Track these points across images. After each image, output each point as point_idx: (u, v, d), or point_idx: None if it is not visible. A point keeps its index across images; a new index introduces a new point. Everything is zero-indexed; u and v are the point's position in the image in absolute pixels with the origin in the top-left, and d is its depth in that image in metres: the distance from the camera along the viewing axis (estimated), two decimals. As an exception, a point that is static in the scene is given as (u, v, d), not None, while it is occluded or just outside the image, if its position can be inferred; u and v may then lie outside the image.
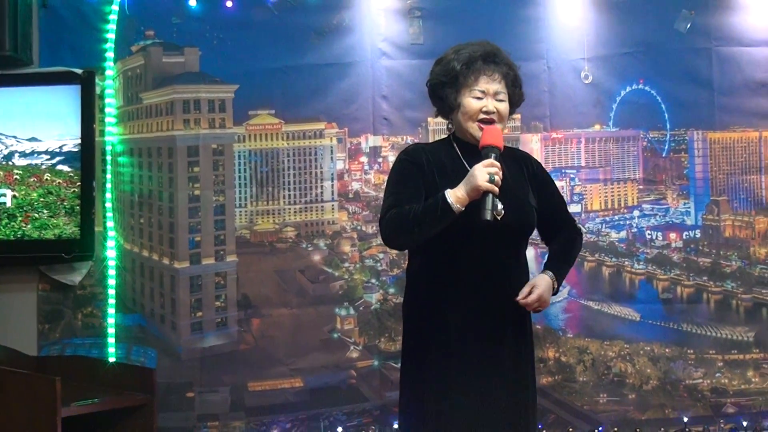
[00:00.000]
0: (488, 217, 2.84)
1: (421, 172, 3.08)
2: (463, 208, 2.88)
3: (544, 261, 3.18)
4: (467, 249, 3.02)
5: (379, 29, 5.52)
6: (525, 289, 3.01)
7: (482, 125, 3.06)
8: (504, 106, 3.08)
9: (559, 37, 5.58)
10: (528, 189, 3.18)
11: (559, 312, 5.59)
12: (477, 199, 2.87)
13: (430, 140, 3.35)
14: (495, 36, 5.04)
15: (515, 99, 3.16)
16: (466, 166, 2.99)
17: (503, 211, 2.97)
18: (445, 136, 3.25)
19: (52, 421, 3.92)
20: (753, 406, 5.46)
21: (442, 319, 3.05)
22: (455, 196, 2.88)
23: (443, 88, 3.12)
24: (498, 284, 3.05)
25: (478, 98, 3.06)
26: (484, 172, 2.85)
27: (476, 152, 2.97)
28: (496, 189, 2.85)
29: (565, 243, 3.23)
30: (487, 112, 3.05)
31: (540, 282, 3.03)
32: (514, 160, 3.23)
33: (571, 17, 5.56)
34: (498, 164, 2.89)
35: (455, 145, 3.14)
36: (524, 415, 3.09)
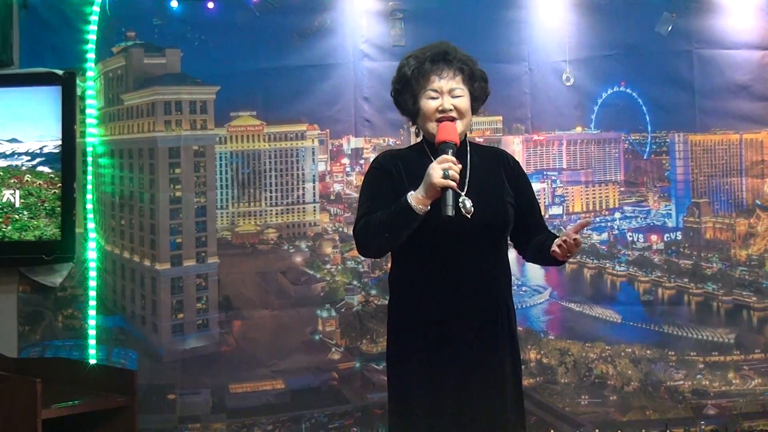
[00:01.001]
0: (450, 213, 2.87)
1: (390, 180, 3.15)
2: (427, 209, 2.93)
3: (542, 242, 3.16)
4: (442, 250, 3.08)
5: (360, 31, 5.55)
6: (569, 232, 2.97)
7: (440, 123, 3.12)
8: (462, 102, 3.14)
9: (541, 40, 5.63)
10: (503, 186, 3.23)
11: (540, 314, 5.65)
12: (439, 197, 2.92)
13: (412, 142, 3.41)
14: (476, 38, 5.22)
15: (477, 93, 3.20)
16: None
17: (473, 209, 3.05)
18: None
19: (32, 423, 3.96)
20: (734, 408, 5.54)
21: (424, 323, 3.13)
22: (416, 198, 2.93)
23: (401, 95, 3.22)
24: (477, 284, 3.12)
25: (433, 98, 3.13)
26: (438, 169, 2.89)
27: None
28: (453, 184, 2.88)
29: (548, 238, 3.18)
30: (443, 110, 3.12)
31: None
32: (491, 156, 3.31)
33: (552, 19, 5.61)
34: (452, 159, 2.92)
35: (427, 148, 3.20)
36: (509, 416, 3.17)
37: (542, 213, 3.45)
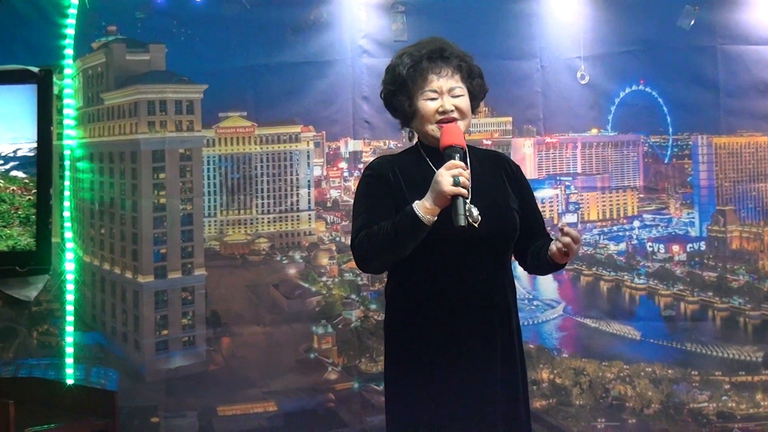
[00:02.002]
0: (462, 222, 2.84)
1: (388, 187, 3.10)
2: (435, 219, 2.88)
3: (540, 246, 3.14)
4: (445, 262, 3.03)
5: (359, 25, 5.57)
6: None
7: (442, 125, 3.08)
8: (462, 102, 3.10)
9: (554, 34, 5.64)
10: (507, 191, 3.20)
11: (553, 330, 5.65)
12: (448, 206, 2.87)
13: (407, 147, 3.38)
14: (484, 33, 5.24)
15: (476, 91, 3.17)
16: (437, 171, 2.98)
17: (480, 218, 2.98)
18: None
19: None
20: None
21: (424, 339, 3.07)
22: (423, 207, 2.88)
23: (395, 97, 3.15)
24: (482, 298, 3.06)
25: (432, 99, 3.08)
26: (448, 176, 2.84)
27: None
28: (465, 191, 2.85)
29: (546, 242, 3.15)
30: (444, 112, 3.07)
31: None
32: (491, 160, 3.27)
33: (566, 13, 5.63)
34: (462, 164, 2.89)
35: (422, 152, 3.16)
36: None
37: (544, 222, 3.40)
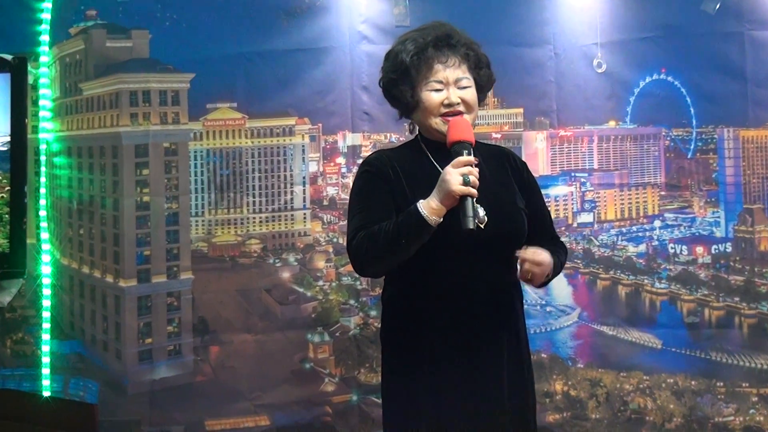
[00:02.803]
0: (471, 225, 2.78)
1: (387, 184, 3.04)
2: (441, 220, 2.83)
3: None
4: (448, 265, 2.98)
5: (359, 9, 5.59)
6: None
7: (447, 119, 3.03)
8: (469, 94, 3.04)
9: (568, 19, 5.64)
10: (513, 189, 3.16)
11: (568, 338, 5.70)
12: (454, 206, 2.82)
13: (406, 141, 3.37)
14: (493, 17, 5.19)
15: (483, 82, 3.11)
16: (439, 169, 2.94)
17: (486, 218, 2.94)
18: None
19: None
20: None
21: (426, 349, 3.01)
22: (429, 207, 2.83)
23: (396, 86, 3.10)
24: (487, 304, 3.01)
25: (437, 90, 3.03)
26: (456, 174, 2.79)
27: (448, 152, 2.94)
28: (474, 191, 2.79)
29: (554, 249, 3.14)
30: (449, 104, 3.01)
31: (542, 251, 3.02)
32: (494, 156, 3.21)
33: None
34: (472, 160, 2.85)
35: (423, 146, 3.10)
36: None
37: (553, 222, 3.41)
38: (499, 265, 3.05)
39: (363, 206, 3.06)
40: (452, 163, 2.84)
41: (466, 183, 2.78)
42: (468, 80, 3.05)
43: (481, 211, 2.94)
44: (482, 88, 3.13)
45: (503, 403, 3.03)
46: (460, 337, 3.00)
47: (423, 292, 3.03)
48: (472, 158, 2.86)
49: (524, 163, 3.29)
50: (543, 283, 3.09)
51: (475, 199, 2.92)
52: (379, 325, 5.23)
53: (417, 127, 3.15)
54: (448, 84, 3.02)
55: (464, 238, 2.89)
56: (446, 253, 2.96)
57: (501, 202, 3.07)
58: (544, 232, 3.21)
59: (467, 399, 3.00)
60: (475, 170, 2.83)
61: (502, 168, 3.19)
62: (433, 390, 3.00)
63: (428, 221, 2.81)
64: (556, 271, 3.13)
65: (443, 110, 3.01)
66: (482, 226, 2.94)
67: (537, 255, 2.95)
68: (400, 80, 3.07)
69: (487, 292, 3.02)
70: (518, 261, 2.96)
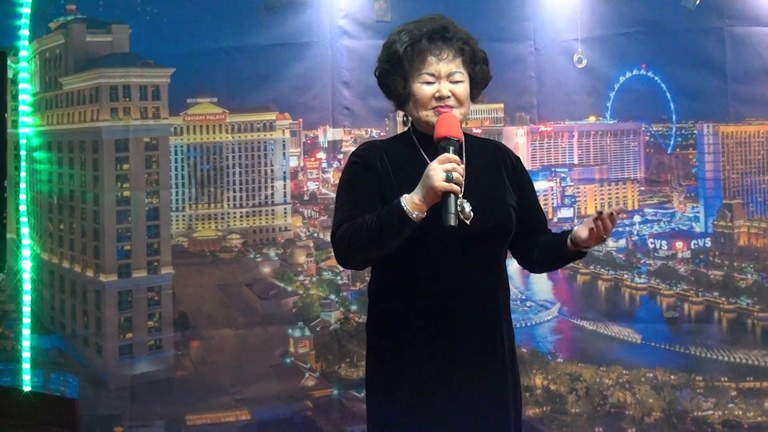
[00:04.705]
0: (453, 222, 2.79)
1: (374, 176, 3.05)
2: (423, 215, 2.83)
3: (552, 238, 3.15)
4: (435, 260, 2.99)
5: (339, 4, 5.60)
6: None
7: (439, 111, 3.05)
8: (461, 88, 3.05)
9: (549, 15, 5.67)
10: (504, 185, 3.16)
11: (547, 333, 5.73)
12: (438, 202, 2.82)
13: (399, 133, 3.37)
14: (474, 12, 5.18)
15: (478, 78, 3.11)
16: (428, 162, 2.92)
17: (472, 214, 2.95)
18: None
19: None
20: None
21: (409, 345, 3.02)
22: (412, 202, 2.83)
23: (389, 77, 3.10)
24: (474, 300, 3.02)
25: (429, 83, 3.03)
26: (440, 171, 2.79)
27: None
28: (457, 188, 2.79)
29: (560, 234, 3.16)
30: (440, 98, 3.02)
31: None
32: (487, 151, 3.23)
33: None
34: (456, 158, 2.84)
35: (415, 139, 3.10)
36: None
37: (546, 217, 3.41)
38: (485, 259, 3.06)
39: (349, 198, 3.09)
40: (437, 159, 2.84)
41: (449, 180, 2.79)
42: (461, 74, 3.06)
43: (467, 207, 2.96)
44: (477, 84, 3.14)
45: (485, 398, 3.04)
46: (443, 330, 3.01)
47: (408, 286, 3.04)
48: (456, 157, 2.85)
49: (519, 159, 3.30)
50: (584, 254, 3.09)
51: (462, 194, 2.93)
52: (360, 320, 5.32)
53: (410, 120, 3.17)
54: (440, 77, 3.03)
55: (450, 234, 2.87)
56: (431, 248, 2.98)
57: (490, 198, 3.09)
58: (539, 226, 3.22)
59: (449, 393, 3.00)
60: (461, 167, 2.83)
61: (494, 164, 3.21)
62: (415, 383, 3.01)
63: (410, 216, 2.82)
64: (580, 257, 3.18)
65: (434, 103, 3.03)
66: (468, 221, 2.95)
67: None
68: (393, 71, 3.08)
69: (472, 287, 3.03)
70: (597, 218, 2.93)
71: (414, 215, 2.82)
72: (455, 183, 2.79)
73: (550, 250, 3.15)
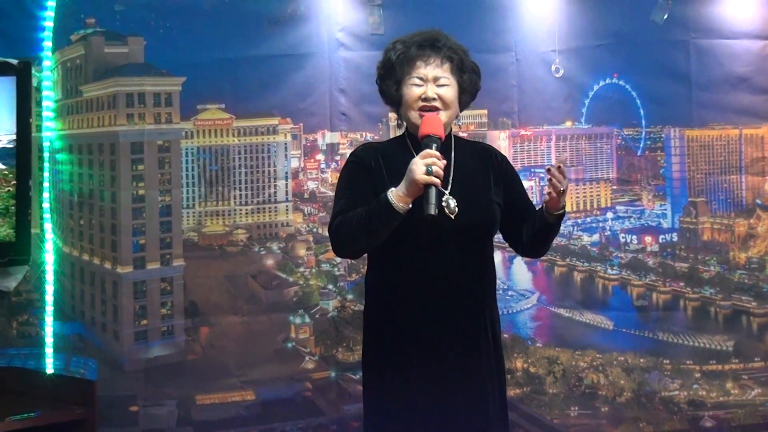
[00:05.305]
0: (432, 211, 2.86)
1: (369, 175, 3.15)
2: (409, 207, 2.92)
3: (532, 223, 3.16)
4: (422, 252, 3.08)
5: (336, 18, 5.60)
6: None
7: (423, 113, 3.12)
8: (448, 92, 3.13)
9: (529, 28, 5.70)
10: (489, 184, 3.23)
11: (527, 320, 5.73)
12: (422, 195, 2.90)
13: (392, 136, 3.47)
14: (460, 26, 5.16)
15: (466, 85, 3.19)
16: None
17: (457, 209, 3.05)
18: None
19: None
20: (732, 420, 5.60)
21: (400, 331, 3.12)
22: (397, 195, 2.91)
23: (384, 81, 3.23)
24: (458, 289, 3.11)
25: (417, 85, 3.13)
26: (421, 165, 2.86)
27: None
28: (437, 181, 2.87)
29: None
30: (426, 99, 3.11)
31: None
32: (476, 153, 3.30)
33: (541, 6, 5.69)
34: (436, 154, 2.90)
35: (408, 141, 3.20)
36: (492, 430, 3.16)
37: (535, 209, 3.38)
38: (468, 251, 3.12)
39: (345, 193, 3.16)
40: (419, 154, 2.90)
41: (429, 173, 2.83)
42: (447, 80, 3.12)
43: (452, 202, 3.05)
44: (465, 91, 3.19)
45: (470, 381, 3.11)
46: (431, 318, 3.08)
47: (398, 276, 3.11)
48: (437, 152, 2.89)
49: (505, 158, 3.37)
50: (557, 226, 3.13)
51: (449, 191, 3.05)
52: (355, 308, 5.42)
53: (404, 123, 3.24)
54: (428, 81, 3.10)
55: (438, 227, 2.97)
56: (421, 240, 3.04)
57: (474, 194, 3.15)
58: (528, 216, 3.22)
59: (438, 377, 3.08)
60: (441, 162, 2.87)
61: (481, 164, 3.25)
62: (406, 367, 3.09)
63: (395, 207, 2.88)
64: (559, 225, 3.17)
65: (420, 103, 3.11)
66: (452, 216, 3.04)
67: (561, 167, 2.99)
68: (387, 76, 3.19)
69: (458, 276, 3.10)
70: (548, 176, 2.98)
71: (399, 206, 2.89)
72: (435, 176, 2.85)
73: (533, 228, 3.16)
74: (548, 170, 3.01)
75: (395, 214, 2.91)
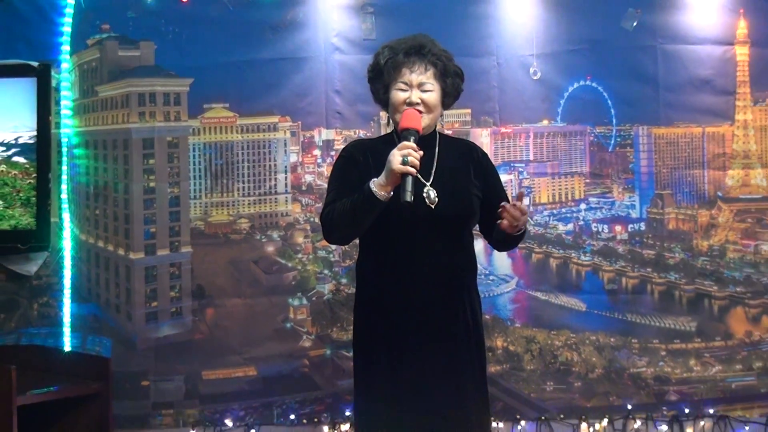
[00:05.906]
0: (408, 198, 2.92)
1: (357, 169, 3.22)
2: (389, 195, 2.99)
3: (496, 227, 3.15)
4: (405, 240, 3.16)
5: (332, 25, 5.66)
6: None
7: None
8: (431, 97, 3.19)
9: (509, 34, 5.75)
10: (470, 177, 3.29)
11: (507, 302, 5.78)
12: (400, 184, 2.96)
13: (382, 134, 3.52)
14: (446, 32, 5.14)
15: (449, 89, 3.25)
16: None
17: (437, 200, 3.14)
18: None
19: (7, 410, 4.05)
20: (695, 394, 5.71)
21: (386, 314, 3.20)
22: (377, 184, 2.99)
23: (373, 84, 3.32)
24: (438, 274, 3.18)
25: (403, 90, 3.19)
26: (398, 155, 2.94)
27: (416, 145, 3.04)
28: (412, 170, 2.93)
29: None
30: (410, 103, 3.17)
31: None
32: (458, 148, 3.36)
33: (520, 14, 5.75)
34: (412, 145, 2.97)
35: (396, 138, 3.24)
36: (469, 405, 3.24)
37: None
38: (448, 239, 3.19)
39: (335, 186, 3.26)
40: (397, 146, 2.99)
41: (404, 163, 2.92)
42: (431, 85, 3.19)
43: (433, 193, 3.13)
44: (448, 95, 3.24)
45: (451, 362, 3.20)
46: (415, 302, 3.17)
47: (384, 263, 3.20)
48: (413, 144, 2.98)
49: (485, 154, 3.43)
50: (518, 236, 3.16)
51: (430, 183, 3.12)
52: (349, 291, 5.51)
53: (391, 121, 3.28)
54: (412, 86, 3.17)
55: (419, 216, 3.06)
56: (403, 228, 3.13)
57: (454, 186, 3.20)
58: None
59: (421, 357, 3.17)
60: (417, 153, 2.95)
61: (462, 158, 3.30)
62: (392, 348, 3.19)
63: (377, 195, 2.97)
64: (522, 235, 3.20)
65: (405, 107, 3.18)
66: (433, 206, 3.12)
67: (518, 206, 3.02)
68: (376, 79, 3.28)
69: (439, 263, 3.17)
70: (502, 211, 3.02)
71: (380, 194, 2.98)
72: (411, 165, 2.92)
73: (497, 235, 3.24)
74: (503, 207, 3.04)
75: (377, 201, 2.99)
